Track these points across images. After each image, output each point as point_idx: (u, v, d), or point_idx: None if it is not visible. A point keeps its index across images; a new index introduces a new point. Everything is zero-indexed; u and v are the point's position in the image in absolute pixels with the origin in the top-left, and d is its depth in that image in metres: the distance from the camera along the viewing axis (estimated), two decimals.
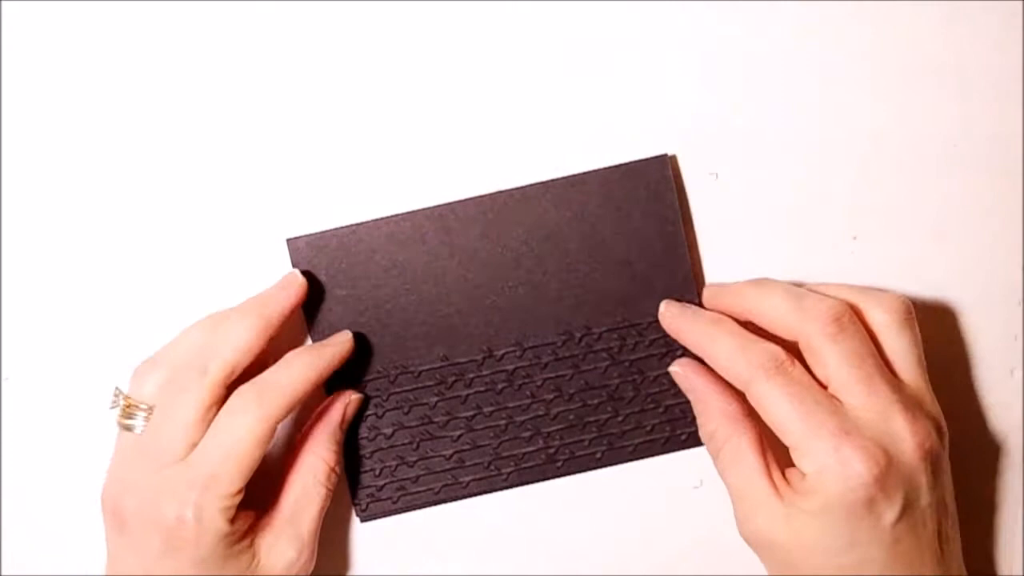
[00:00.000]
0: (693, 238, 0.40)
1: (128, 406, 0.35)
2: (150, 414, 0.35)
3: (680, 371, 0.38)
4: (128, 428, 0.36)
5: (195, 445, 0.35)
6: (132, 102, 0.38)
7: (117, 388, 0.36)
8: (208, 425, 0.35)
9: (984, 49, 0.40)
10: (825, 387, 0.35)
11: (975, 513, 0.42)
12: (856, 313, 0.36)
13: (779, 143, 0.40)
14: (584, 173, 0.39)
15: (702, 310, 0.38)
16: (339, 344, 0.38)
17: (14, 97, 0.38)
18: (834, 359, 0.34)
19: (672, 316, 0.38)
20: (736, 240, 0.40)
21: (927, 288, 0.41)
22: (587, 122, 0.39)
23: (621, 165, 0.39)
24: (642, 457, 0.40)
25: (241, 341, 0.36)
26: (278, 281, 0.38)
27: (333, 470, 0.38)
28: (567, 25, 0.39)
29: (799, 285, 0.37)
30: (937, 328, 0.41)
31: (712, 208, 0.40)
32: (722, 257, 0.40)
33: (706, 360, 0.37)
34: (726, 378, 0.36)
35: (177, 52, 0.38)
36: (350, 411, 0.39)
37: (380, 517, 0.40)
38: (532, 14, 0.38)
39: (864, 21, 0.39)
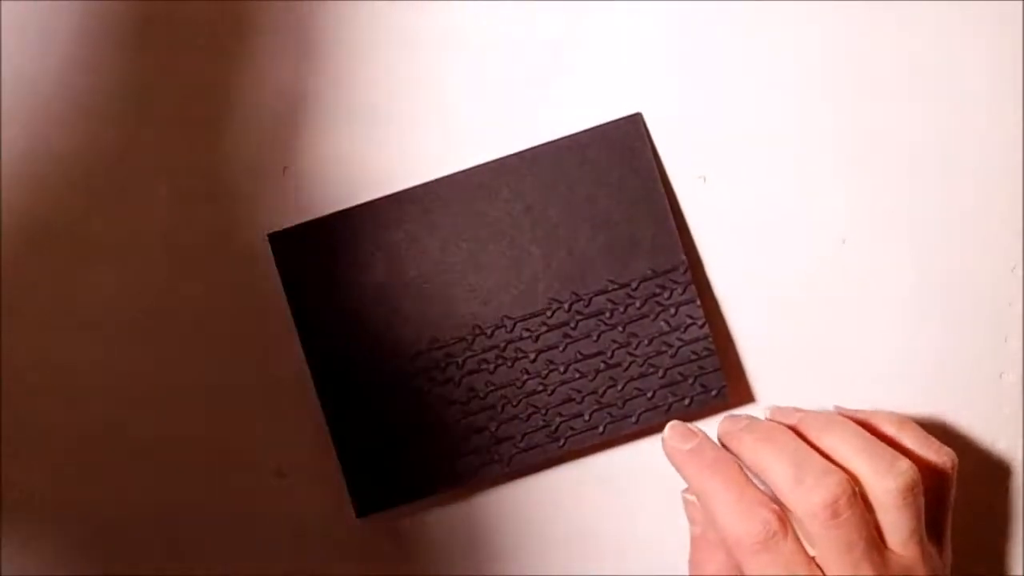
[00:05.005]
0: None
1: None
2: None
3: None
4: None
5: None
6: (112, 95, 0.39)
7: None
8: None
9: (976, 49, 0.39)
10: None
11: (975, 515, 0.41)
12: (858, 482, 0.35)
13: (767, 146, 0.39)
14: (558, 140, 0.38)
15: (705, 446, 0.36)
16: None
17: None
18: (824, 546, 0.34)
19: (672, 449, 0.36)
20: (724, 243, 0.40)
21: (915, 291, 0.40)
22: (565, 122, 0.39)
23: (594, 128, 0.38)
24: (647, 426, 0.38)
25: None
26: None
27: None
28: (551, 18, 0.39)
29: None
30: (926, 331, 0.40)
31: (700, 211, 0.39)
32: (710, 260, 0.39)
33: (700, 504, 0.36)
34: (716, 532, 0.35)
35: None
36: None
37: (377, 511, 0.39)
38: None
39: (853, 21, 0.39)
